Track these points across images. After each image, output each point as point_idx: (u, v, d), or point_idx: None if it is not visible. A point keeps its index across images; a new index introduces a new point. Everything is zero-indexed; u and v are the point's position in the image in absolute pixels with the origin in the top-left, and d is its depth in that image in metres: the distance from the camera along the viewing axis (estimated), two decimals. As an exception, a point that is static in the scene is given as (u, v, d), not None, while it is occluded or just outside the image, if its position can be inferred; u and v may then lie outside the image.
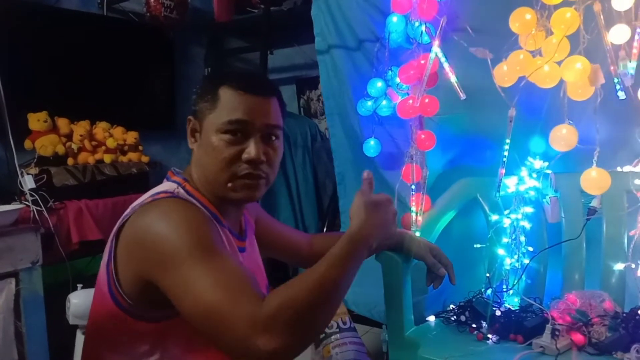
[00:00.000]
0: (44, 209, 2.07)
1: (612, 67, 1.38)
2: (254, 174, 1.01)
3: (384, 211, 1.00)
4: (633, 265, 1.48)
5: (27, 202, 2.07)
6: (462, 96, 1.66)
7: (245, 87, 1.01)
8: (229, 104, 0.99)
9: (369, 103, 1.93)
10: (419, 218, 1.76)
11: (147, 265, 0.89)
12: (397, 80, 1.82)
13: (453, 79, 1.66)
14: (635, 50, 1.35)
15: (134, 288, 0.92)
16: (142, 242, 0.90)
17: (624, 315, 1.40)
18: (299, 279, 0.86)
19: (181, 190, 1.00)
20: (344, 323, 2.03)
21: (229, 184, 1.00)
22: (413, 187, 1.77)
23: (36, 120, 2.34)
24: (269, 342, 0.78)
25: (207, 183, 1.02)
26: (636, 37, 1.35)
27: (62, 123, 2.42)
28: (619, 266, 1.50)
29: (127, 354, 0.96)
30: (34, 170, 2.22)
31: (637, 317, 1.37)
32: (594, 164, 1.44)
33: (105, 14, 2.90)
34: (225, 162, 0.99)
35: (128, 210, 0.96)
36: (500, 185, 1.62)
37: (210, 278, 0.83)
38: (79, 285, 2.02)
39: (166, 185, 1.02)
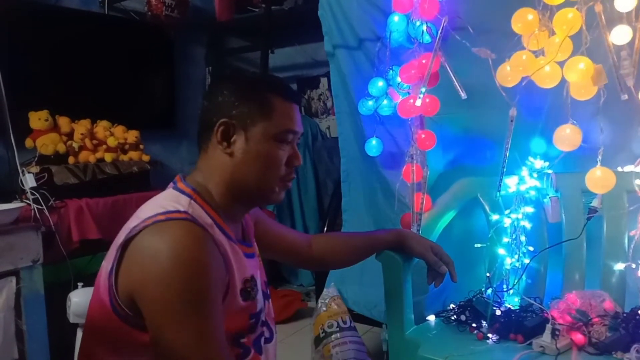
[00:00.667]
0: (44, 207, 2.07)
1: (614, 68, 1.38)
2: (293, 177, 1.07)
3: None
4: (633, 265, 1.48)
5: (28, 201, 2.07)
6: (463, 95, 1.66)
7: (292, 97, 1.05)
8: (284, 113, 1.02)
9: (370, 102, 1.93)
10: (420, 217, 1.75)
11: (141, 290, 0.88)
12: (398, 79, 1.82)
13: (454, 79, 1.66)
14: (636, 50, 1.35)
15: (128, 301, 0.91)
16: (144, 266, 0.88)
17: (624, 315, 1.40)
18: None
19: (195, 206, 0.96)
20: (344, 322, 2.03)
21: (277, 188, 1.05)
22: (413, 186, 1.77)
23: (37, 119, 2.34)
24: None
25: (242, 188, 1.01)
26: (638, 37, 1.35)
27: (63, 122, 2.42)
28: (619, 266, 1.50)
29: (124, 356, 0.95)
30: (35, 169, 2.22)
31: (638, 317, 1.38)
32: (599, 163, 1.44)
33: (106, 12, 2.91)
34: (279, 167, 1.03)
35: (139, 222, 0.91)
36: (500, 185, 1.62)
37: (191, 336, 0.85)
38: (80, 284, 2.02)
39: (178, 199, 0.97)
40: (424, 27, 1.73)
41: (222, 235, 0.98)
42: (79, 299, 1.92)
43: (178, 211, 0.92)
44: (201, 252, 0.89)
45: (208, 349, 0.85)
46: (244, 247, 1.06)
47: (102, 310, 0.94)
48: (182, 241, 0.88)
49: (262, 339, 1.08)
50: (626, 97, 1.38)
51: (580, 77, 1.39)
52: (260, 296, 1.06)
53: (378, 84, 1.89)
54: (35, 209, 2.05)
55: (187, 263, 0.86)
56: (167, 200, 0.96)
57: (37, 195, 2.08)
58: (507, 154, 1.58)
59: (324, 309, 2.09)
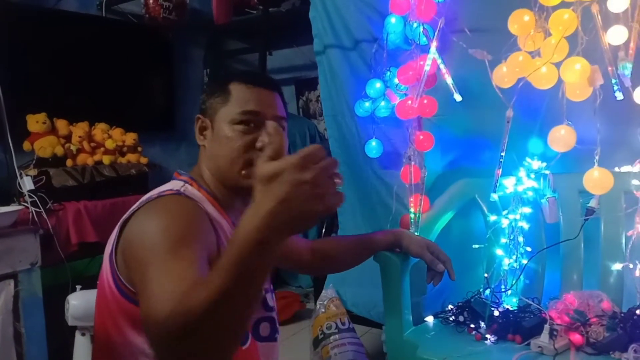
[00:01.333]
0: (42, 210, 2.07)
1: (610, 68, 1.38)
2: None
3: (289, 183, 0.64)
4: (631, 266, 1.48)
5: (26, 204, 2.07)
6: (458, 98, 1.66)
7: (254, 81, 1.06)
8: (240, 96, 1.04)
9: (367, 104, 1.93)
10: (418, 218, 1.76)
11: (129, 254, 0.89)
12: (396, 81, 1.82)
13: (449, 80, 1.66)
14: (632, 51, 1.36)
15: (129, 279, 0.91)
16: (132, 237, 0.90)
17: (622, 315, 1.41)
18: (180, 293, 0.70)
19: (188, 188, 1.02)
20: (343, 324, 2.03)
21: (243, 172, 1.03)
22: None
23: (35, 122, 2.34)
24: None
25: (220, 175, 1.05)
26: (633, 37, 1.36)
27: (61, 124, 2.42)
28: (617, 266, 1.51)
29: (134, 353, 0.95)
30: (33, 172, 2.22)
31: (635, 317, 1.38)
32: (596, 164, 1.44)
33: (104, 15, 2.91)
34: (240, 151, 1.02)
35: (136, 205, 0.97)
36: (497, 185, 1.63)
37: (159, 272, 0.76)
38: (78, 287, 2.02)
39: (173, 184, 1.04)
40: (421, 29, 1.73)
41: (219, 215, 1.02)
42: (77, 302, 1.92)
43: (171, 189, 0.99)
44: (184, 210, 0.92)
45: (172, 281, 0.73)
46: None
47: (109, 298, 0.94)
48: (168, 206, 0.92)
49: (261, 328, 1.08)
50: (622, 97, 1.38)
51: (577, 77, 1.40)
52: None
53: (376, 86, 1.89)
54: (33, 211, 2.05)
55: (175, 215, 0.89)
56: (164, 186, 1.02)
57: (35, 198, 2.08)
58: (504, 155, 1.58)
59: (323, 310, 2.09)
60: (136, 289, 0.86)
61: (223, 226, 1.01)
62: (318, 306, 2.11)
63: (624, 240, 1.51)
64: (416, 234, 1.66)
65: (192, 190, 1.02)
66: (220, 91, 1.06)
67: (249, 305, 0.69)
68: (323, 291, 2.18)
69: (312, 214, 0.66)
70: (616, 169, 1.54)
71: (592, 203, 1.52)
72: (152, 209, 0.93)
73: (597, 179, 1.44)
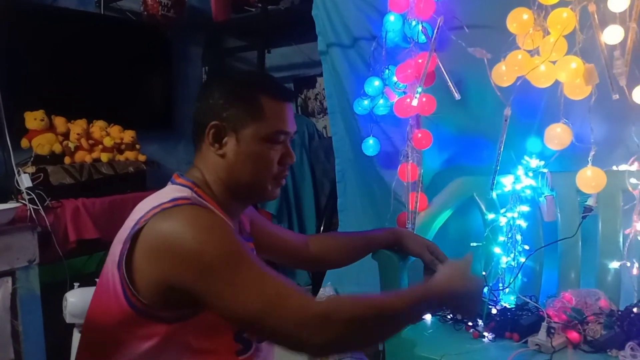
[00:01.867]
0: (40, 207, 2.06)
1: (606, 67, 1.39)
2: (286, 175, 1.10)
3: (474, 291, 1.07)
4: (628, 264, 1.49)
5: (23, 201, 2.06)
6: (457, 97, 1.67)
7: (283, 96, 1.06)
8: (275, 114, 1.03)
9: (366, 102, 1.93)
10: (415, 216, 1.76)
11: (177, 271, 0.89)
12: (394, 79, 1.83)
13: (448, 80, 1.66)
14: (628, 51, 1.36)
15: (152, 290, 0.91)
16: (171, 251, 0.89)
17: (619, 313, 1.41)
18: (361, 296, 0.95)
19: (195, 196, 1.00)
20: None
21: (270, 187, 1.06)
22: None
23: (33, 119, 2.33)
24: (316, 337, 0.85)
25: (239, 188, 1.04)
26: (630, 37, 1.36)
27: (59, 122, 2.41)
28: (614, 264, 1.51)
29: (125, 355, 0.95)
30: (31, 169, 2.21)
31: (632, 315, 1.38)
32: (589, 163, 1.45)
33: (102, 12, 2.89)
34: (270, 167, 1.04)
35: (143, 213, 0.93)
36: (494, 183, 1.63)
37: (253, 283, 0.88)
38: (76, 284, 2.01)
39: (180, 190, 1.00)
40: (420, 27, 1.74)
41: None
42: (75, 299, 1.91)
43: (183, 197, 0.97)
44: (216, 219, 0.95)
45: (278, 283, 0.89)
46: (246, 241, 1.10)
47: (111, 304, 0.94)
48: (194, 218, 0.92)
49: None
50: (617, 96, 1.38)
51: (571, 76, 1.40)
52: None
53: (374, 84, 1.89)
54: (31, 209, 2.04)
55: (208, 231, 0.91)
56: (170, 192, 0.99)
57: (33, 195, 2.07)
58: (501, 153, 1.59)
59: (321, 308, 2.09)
60: (207, 299, 0.89)
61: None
62: (316, 304, 2.11)
63: (621, 239, 1.52)
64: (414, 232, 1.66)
65: (200, 200, 1.00)
66: (250, 103, 1.02)
67: (399, 327, 1.05)
68: (321, 289, 2.18)
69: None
70: (614, 168, 1.55)
71: (590, 201, 1.53)
72: (177, 218, 0.91)
73: (590, 178, 1.45)
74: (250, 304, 0.87)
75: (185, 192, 0.99)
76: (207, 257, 0.88)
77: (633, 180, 1.49)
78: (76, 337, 1.97)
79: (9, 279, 1.84)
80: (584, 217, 1.54)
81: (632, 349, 1.26)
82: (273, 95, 1.04)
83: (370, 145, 1.95)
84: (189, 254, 0.88)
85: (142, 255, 0.92)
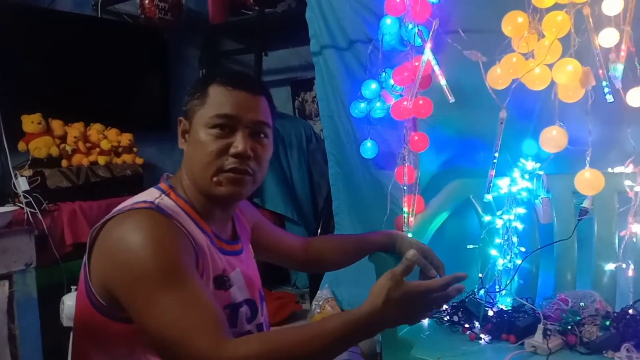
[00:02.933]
0: (37, 211, 2.07)
1: (600, 70, 1.39)
2: (239, 169, 0.99)
3: (410, 305, 0.88)
4: (624, 266, 1.50)
5: (20, 204, 2.06)
6: (451, 99, 1.67)
7: (234, 84, 1.02)
8: (217, 99, 1.00)
9: (362, 105, 1.94)
10: (411, 219, 1.76)
11: (113, 278, 0.90)
12: (391, 82, 1.83)
13: (443, 81, 1.67)
14: (623, 54, 1.37)
15: (102, 290, 0.93)
16: (112, 254, 0.90)
17: (615, 314, 1.42)
18: (280, 336, 0.86)
19: (164, 199, 0.98)
20: (338, 324, 2.04)
21: (214, 178, 0.99)
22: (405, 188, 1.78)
23: (30, 122, 2.34)
24: None
25: (194, 180, 1.02)
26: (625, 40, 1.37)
27: (56, 125, 2.41)
28: (610, 266, 1.52)
29: (110, 353, 0.96)
30: (28, 172, 2.22)
31: (628, 317, 1.39)
32: (587, 165, 1.45)
33: (99, 15, 2.90)
34: (212, 156, 0.98)
35: (109, 215, 0.95)
36: (490, 186, 1.63)
37: (174, 309, 0.84)
38: (73, 287, 2.01)
39: (150, 193, 1.01)
40: (416, 30, 1.74)
41: (195, 226, 1.00)
42: (72, 302, 1.91)
43: (144, 201, 0.96)
44: (162, 231, 0.91)
45: (197, 315, 0.84)
46: (224, 244, 1.07)
47: (82, 304, 0.97)
48: (143, 224, 0.90)
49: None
50: (612, 99, 1.39)
51: (568, 79, 1.41)
52: (236, 291, 1.05)
53: (371, 86, 1.90)
54: (28, 212, 2.05)
55: (149, 242, 0.88)
56: (140, 195, 1.00)
57: (30, 198, 2.07)
58: (497, 155, 1.59)
59: (318, 310, 2.10)
60: (130, 312, 0.88)
61: (200, 240, 0.98)
62: (313, 306, 2.12)
63: (617, 241, 1.53)
64: (409, 235, 1.67)
65: (167, 201, 0.98)
66: (200, 93, 1.02)
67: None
68: (318, 291, 2.19)
69: (421, 317, 0.95)
70: (609, 170, 1.56)
71: (586, 203, 1.53)
72: (127, 223, 0.91)
73: (588, 180, 1.45)
74: (165, 330, 0.84)
75: (152, 196, 0.98)
76: (138, 269, 0.86)
77: (628, 182, 1.50)
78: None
79: (6, 282, 1.85)
80: (579, 219, 1.54)
81: (627, 350, 1.27)
82: (221, 83, 1.02)
83: (368, 148, 1.96)
84: (123, 261, 0.88)
85: (95, 256, 0.94)
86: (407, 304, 0.87)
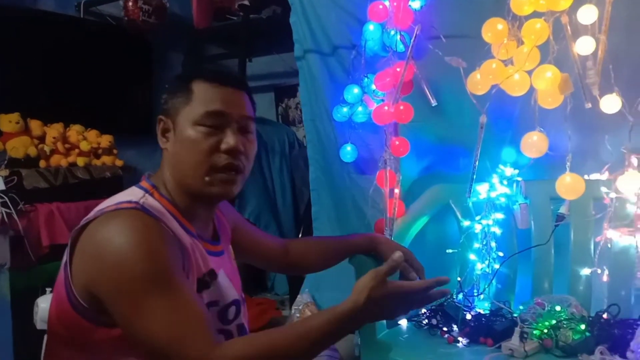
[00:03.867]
0: (13, 211, 2.02)
1: (579, 77, 1.42)
2: (233, 165, 0.99)
3: (391, 304, 0.91)
4: (599, 271, 1.52)
5: (-5, 204, 2.02)
6: (433, 102, 1.69)
7: (220, 80, 1.00)
8: (204, 96, 0.98)
9: (345, 109, 1.95)
10: (392, 223, 1.77)
11: (98, 281, 0.87)
12: (373, 87, 1.85)
13: (424, 86, 1.69)
14: (599, 61, 1.40)
15: (84, 293, 0.90)
16: (97, 256, 0.88)
17: (590, 318, 1.44)
18: (266, 337, 0.88)
19: (148, 199, 0.96)
20: (318, 328, 2.03)
21: (207, 178, 0.98)
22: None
23: (8, 122, 2.30)
24: None
25: (183, 181, 1.00)
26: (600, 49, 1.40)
27: (35, 125, 2.38)
28: (585, 271, 1.55)
29: (88, 357, 0.94)
30: (4, 172, 2.17)
31: (602, 321, 1.42)
32: (567, 170, 1.48)
33: (82, 16, 2.88)
34: (204, 154, 0.97)
35: (91, 214, 0.92)
36: (471, 190, 1.65)
37: (163, 315, 0.84)
38: (48, 289, 1.97)
39: (133, 192, 0.99)
40: (398, 36, 1.76)
41: (179, 226, 0.98)
42: (46, 305, 1.87)
43: (129, 201, 0.93)
44: (150, 233, 0.89)
45: (186, 321, 0.84)
46: (208, 245, 1.05)
47: (61, 305, 0.93)
48: (130, 226, 0.88)
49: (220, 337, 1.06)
50: (590, 105, 1.42)
51: (548, 85, 1.43)
52: (220, 291, 1.04)
53: (353, 91, 1.91)
54: (4, 212, 2.00)
55: (136, 245, 0.86)
56: (123, 195, 0.98)
57: (6, 198, 2.03)
58: (477, 161, 1.61)
59: (298, 315, 2.09)
60: (116, 316, 0.86)
61: (185, 241, 0.96)
62: (293, 311, 2.11)
63: (592, 246, 1.55)
64: (390, 238, 1.67)
65: (152, 201, 0.96)
66: (183, 90, 1.00)
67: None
68: (298, 296, 2.18)
69: (400, 314, 0.99)
70: (585, 177, 1.58)
71: (563, 209, 1.56)
72: (114, 224, 0.88)
73: (569, 184, 1.47)
74: (154, 336, 0.83)
75: (136, 196, 0.96)
76: (126, 273, 0.85)
77: (604, 189, 1.53)
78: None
79: (-22, 283, 1.81)
80: (556, 225, 1.57)
81: (601, 352, 1.29)
82: (205, 79, 1.00)
83: (348, 152, 1.96)
84: (109, 265, 0.86)
85: (78, 257, 0.91)
86: (389, 303, 0.90)
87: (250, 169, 1.06)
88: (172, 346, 0.82)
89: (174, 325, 0.83)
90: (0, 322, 1.86)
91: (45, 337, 1.90)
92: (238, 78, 1.06)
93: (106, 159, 2.57)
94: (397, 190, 1.78)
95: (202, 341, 0.83)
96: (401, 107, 1.75)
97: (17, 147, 2.27)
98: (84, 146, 2.49)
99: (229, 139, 0.97)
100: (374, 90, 1.85)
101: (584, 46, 1.40)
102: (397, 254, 0.90)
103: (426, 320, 1.59)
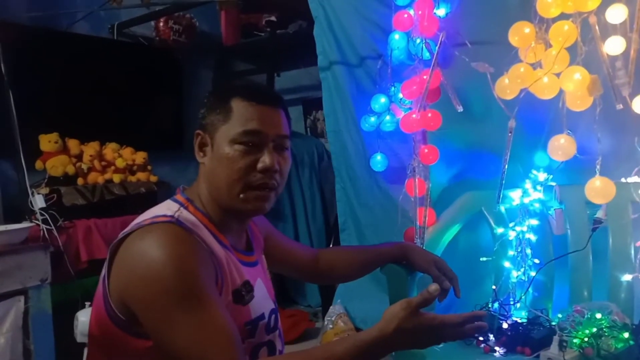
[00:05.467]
0: (53, 227, 2.10)
1: (609, 78, 1.39)
2: (267, 184, 1.00)
3: (421, 336, 0.87)
4: (640, 277, 1.47)
5: (37, 221, 2.10)
6: (459, 109, 1.68)
7: (257, 98, 1.01)
8: (243, 115, 0.99)
9: (372, 119, 1.95)
10: (423, 232, 1.76)
11: (132, 293, 0.90)
12: (400, 95, 1.85)
13: (450, 91, 1.68)
14: (632, 61, 1.37)
15: (120, 305, 0.92)
16: (132, 269, 0.90)
17: (634, 326, 1.39)
18: (292, 358, 0.88)
19: (183, 212, 0.98)
20: (351, 339, 2.02)
21: (241, 195, 0.99)
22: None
23: (47, 142, 2.39)
24: None
25: (218, 196, 1.02)
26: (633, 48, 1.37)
27: (73, 144, 2.47)
28: (626, 277, 1.49)
29: None
30: (45, 190, 2.26)
31: (646, 328, 1.36)
32: (597, 173, 1.44)
33: (115, 38, 2.98)
34: (241, 172, 0.98)
35: (128, 228, 0.95)
36: (500, 196, 1.62)
37: (188, 330, 0.85)
38: (87, 303, 2.03)
39: (168, 206, 1.01)
40: (424, 44, 1.76)
41: (213, 239, 0.99)
42: (86, 319, 1.92)
43: (164, 215, 0.95)
44: (184, 248, 0.90)
45: (212, 338, 0.85)
46: (242, 255, 1.06)
47: (100, 318, 0.95)
48: (164, 240, 0.89)
49: (260, 353, 1.05)
50: (621, 106, 1.39)
51: (576, 87, 1.41)
52: (256, 304, 1.05)
53: (380, 100, 1.92)
54: (44, 229, 2.08)
55: (170, 259, 0.87)
56: (159, 208, 0.99)
57: (46, 215, 2.11)
58: (506, 166, 1.59)
59: (331, 326, 2.08)
60: (147, 329, 0.88)
61: (219, 255, 0.98)
62: (326, 322, 2.10)
63: (632, 251, 1.50)
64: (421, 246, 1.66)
65: (187, 215, 0.98)
66: (221, 107, 1.01)
67: None
68: (331, 307, 2.17)
69: (431, 346, 0.90)
70: (622, 180, 1.54)
71: (599, 214, 1.52)
72: (148, 238, 0.90)
73: (598, 188, 1.44)
74: (181, 350, 0.85)
75: (171, 210, 0.98)
76: (158, 286, 0.86)
77: (642, 192, 1.48)
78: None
79: (22, 298, 1.86)
80: (593, 230, 1.53)
81: (646, 361, 1.24)
82: (243, 97, 1.01)
83: (378, 161, 1.97)
84: (142, 278, 0.87)
85: (115, 270, 0.93)
86: (419, 335, 0.86)
87: (283, 186, 1.07)
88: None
89: (201, 341, 0.84)
90: (42, 335, 1.91)
91: (86, 350, 1.97)
92: (275, 96, 1.07)
93: (141, 175, 2.64)
94: (427, 198, 1.76)
95: (227, 356, 0.84)
96: (429, 115, 1.75)
97: (56, 166, 2.35)
98: (120, 163, 2.56)
99: (266, 159, 0.99)
100: (401, 99, 1.86)
101: (614, 46, 1.37)
102: (434, 287, 0.86)
103: (461, 330, 1.57)
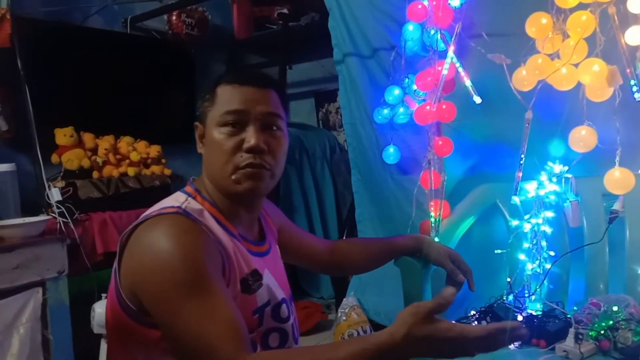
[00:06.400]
0: (69, 220, 2.13)
1: (628, 69, 1.37)
2: (254, 164, 0.99)
3: (435, 347, 0.77)
4: (658, 269, 1.45)
5: (53, 214, 2.13)
6: (478, 100, 1.66)
7: (241, 80, 1.02)
8: (225, 97, 1.00)
9: (386, 111, 1.95)
10: (438, 224, 1.75)
11: (140, 284, 0.91)
12: (414, 87, 1.84)
13: (468, 82, 1.66)
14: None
15: (131, 296, 0.94)
16: (140, 260, 0.91)
17: (651, 319, 1.37)
18: (292, 356, 0.86)
19: (191, 202, 0.99)
20: (365, 331, 2.03)
21: (233, 177, 0.99)
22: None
23: (62, 135, 2.41)
24: None
25: (215, 182, 1.03)
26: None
27: (88, 138, 2.49)
28: (643, 270, 1.48)
29: (144, 358, 0.97)
30: (61, 184, 2.29)
31: (664, 321, 1.35)
32: (617, 164, 1.42)
33: (129, 32, 2.99)
34: (227, 154, 0.98)
35: (138, 220, 0.96)
36: (517, 188, 1.61)
37: (193, 320, 0.85)
38: (104, 295, 2.06)
39: (177, 197, 1.02)
40: (439, 35, 1.75)
41: (220, 228, 1.00)
42: (102, 310, 1.95)
43: (172, 206, 0.96)
44: (190, 238, 0.91)
45: (218, 329, 0.84)
46: (251, 245, 1.07)
47: (114, 309, 0.97)
48: (170, 232, 0.90)
49: (270, 338, 1.06)
50: (640, 98, 1.37)
51: (595, 78, 1.39)
52: (269, 291, 1.06)
53: (394, 92, 1.91)
54: (61, 221, 2.11)
55: (177, 250, 0.88)
56: (168, 200, 1.01)
57: (63, 208, 2.14)
58: (524, 157, 1.57)
59: (344, 318, 2.09)
60: (155, 317, 0.89)
61: (226, 244, 0.98)
62: (339, 314, 2.11)
63: (650, 243, 1.49)
64: (436, 239, 1.65)
65: (194, 205, 0.99)
66: (209, 94, 1.03)
67: None
68: (344, 299, 2.18)
69: (455, 358, 0.79)
70: (639, 172, 1.52)
71: (616, 206, 1.50)
72: (155, 229, 0.91)
73: (618, 179, 1.42)
74: (186, 340, 0.85)
75: (179, 200, 0.99)
76: (164, 277, 0.87)
77: (660, 184, 1.46)
78: (103, 347, 2.01)
79: (40, 290, 1.90)
80: (610, 222, 1.51)
81: (664, 355, 1.23)
82: (228, 81, 1.02)
83: (391, 154, 1.96)
84: (150, 269, 0.88)
85: (124, 261, 0.94)
86: (434, 344, 0.76)
87: (281, 167, 1.06)
88: (202, 351, 0.83)
89: (206, 331, 0.84)
90: (60, 326, 1.95)
91: (103, 341, 2.00)
92: (260, 76, 1.06)
93: (155, 169, 2.66)
94: (442, 191, 1.76)
95: (232, 349, 0.83)
96: (443, 107, 1.74)
97: (72, 160, 2.38)
98: (134, 157, 2.58)
99: (250, 138, 0.98)
100: (415, 91, 1.84)
101: (634, 36, 1.35)
102: (449, 290, 0.78)
103: (476, 322, 1.56)
